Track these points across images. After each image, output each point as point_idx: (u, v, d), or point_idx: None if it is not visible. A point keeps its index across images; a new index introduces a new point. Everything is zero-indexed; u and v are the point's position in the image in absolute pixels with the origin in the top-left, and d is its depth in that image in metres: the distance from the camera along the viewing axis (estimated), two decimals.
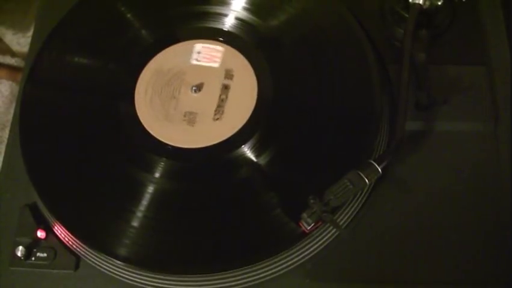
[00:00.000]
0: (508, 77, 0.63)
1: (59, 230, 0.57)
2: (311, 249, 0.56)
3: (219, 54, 0.63)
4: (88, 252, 0.57)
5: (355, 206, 0.57)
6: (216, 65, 0.63)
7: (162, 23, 0.67)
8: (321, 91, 0.61)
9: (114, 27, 0.67)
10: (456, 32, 0.65)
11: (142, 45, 0.65)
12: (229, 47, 0.64)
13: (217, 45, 0.64)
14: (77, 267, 0.57)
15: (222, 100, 0.61)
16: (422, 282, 0.56)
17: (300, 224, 0.53)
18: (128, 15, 0.67)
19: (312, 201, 0.52)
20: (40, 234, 0.57)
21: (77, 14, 0.68)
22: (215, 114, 0.61)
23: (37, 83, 0.64)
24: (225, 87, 0.62)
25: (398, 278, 0.56)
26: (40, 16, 0.72)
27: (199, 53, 0.64)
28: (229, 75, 0.62)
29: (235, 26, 0.65)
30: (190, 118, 0.61)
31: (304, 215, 0.52)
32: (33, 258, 0.57)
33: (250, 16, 0.65)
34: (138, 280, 0.55)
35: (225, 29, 0.65)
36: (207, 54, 0.63)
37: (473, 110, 0.62)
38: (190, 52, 0.64)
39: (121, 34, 0.66)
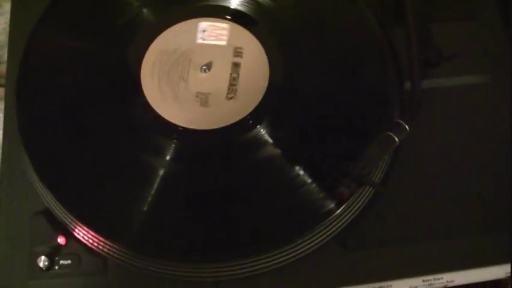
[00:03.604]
0: (497, 29, 0.65)
1: (81, 233, 0.54)
2: (345, 218, 0.55)
3: (225, 32, 0.61)
4: (115, 251, 0.53)
5: (382, 168, 0.57)
6: (223, 43, 0.60)
7: (164, 1, 0.63)
8: (333, 63, 0.60)
9: (114, 7, 0.63)
10: None
11: (145, 25, 0.62)
12: (235, 25, 0.61)
13: (223, 22, 0.61)
14: (105, 269, 0.54)
15: (234, 78, 0.59)
16: (456, 235, 0.56)
17: (340, 192, 0.52)
18: None
19: (348, 167, 0.52)
20: (60, 240, 0.53)
21: None
22: (228, 93, 0.58)
23: (32, 74, 0.59)
24: (235, 65, 0.59)
25: (433, 235, 0.56)
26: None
27: (204, 31, 0.61)
28: (238, 52, 0.60)
29: (241, 3, 0.62)
30: (203, 98, 0.58)
31: (344, 181, 0.52)
32: (56, 267, 0.53)
33: None
34: (178, 273, 0.53)
35: (231, 6, 0.62)
36: (212, 32, 0.61)
37: (475, 63, 0.63)
38: (195, 31, 0.61)
39: (122, 14, 0.62)
